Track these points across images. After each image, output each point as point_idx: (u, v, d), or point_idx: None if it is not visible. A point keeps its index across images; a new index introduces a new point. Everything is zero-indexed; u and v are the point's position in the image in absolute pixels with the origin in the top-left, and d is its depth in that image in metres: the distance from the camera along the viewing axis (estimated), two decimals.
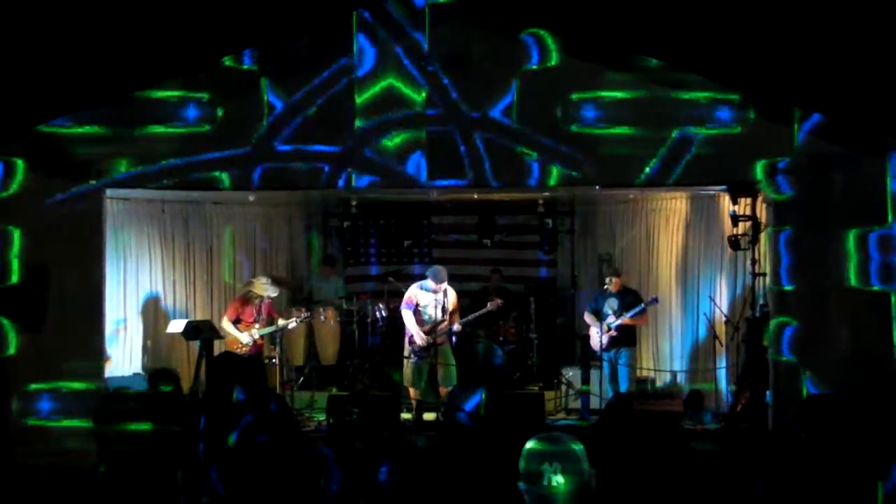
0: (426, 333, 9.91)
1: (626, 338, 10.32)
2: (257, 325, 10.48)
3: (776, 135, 8.13)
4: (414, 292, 10.09)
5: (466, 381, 9.98)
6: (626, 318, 10.16)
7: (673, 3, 7.69)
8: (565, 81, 8.28)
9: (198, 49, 8.00)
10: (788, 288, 8.15)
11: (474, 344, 11.09)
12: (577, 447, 3.14)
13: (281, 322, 10.70)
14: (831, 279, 7.97)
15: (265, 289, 10.53)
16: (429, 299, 10.00)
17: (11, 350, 8.06)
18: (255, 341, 10.46)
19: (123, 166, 8.31)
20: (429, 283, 9.99)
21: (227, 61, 8.29)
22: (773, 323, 8.26)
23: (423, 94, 8.33)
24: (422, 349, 9.93)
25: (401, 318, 10.19)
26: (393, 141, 8.35)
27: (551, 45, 8.28)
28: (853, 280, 7.89)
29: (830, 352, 7.94)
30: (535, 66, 8.30)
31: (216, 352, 10.39)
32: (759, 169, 8.17)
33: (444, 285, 9.96)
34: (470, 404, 8.77)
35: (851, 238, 7.91)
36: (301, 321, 11.02)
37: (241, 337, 10.41)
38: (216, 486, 3.19)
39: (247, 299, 10.58)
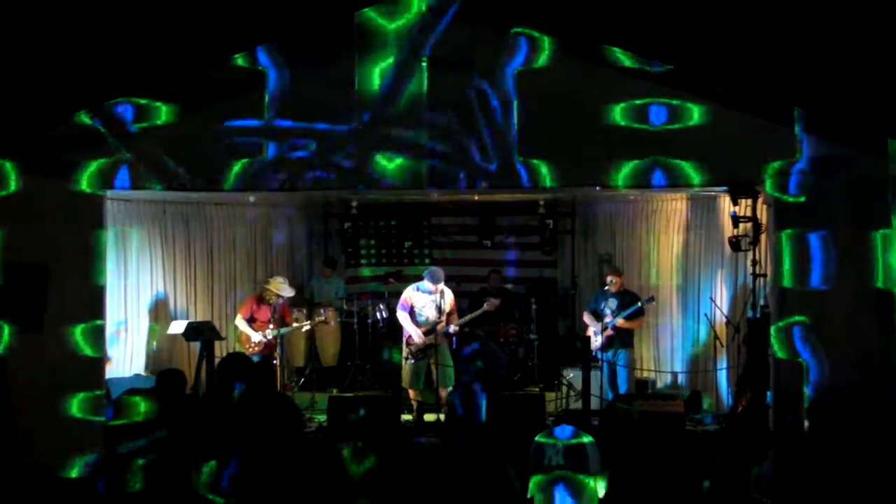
0: (424, 335, 9.91)
1: (623, 339, 10.33)
2: (272, 326, 10.50)
3: (778, 136, 8.11)
4: (409, 294, 10.10)
5: (468, 382, 9.98)
6: (620, 320, 10.17)
7: (674, 4, 7.69)
8: (566, 83, 8.26)
9: (200, 49, 7.99)
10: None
11: (475, 345, 11.08)
12: (589, 443, 3.13)
13: (295, 324, 10.70)
14: (833, 279, 7.96)
15: (281, 289, 10.57)
16: (425, 300, 10.00)
17: (10, 351, 8.05)
18: (267, 341, 10.48)
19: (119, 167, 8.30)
20: (426, 284, 9.99)
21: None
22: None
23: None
24: (420, 350, 9.93)
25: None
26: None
27: (548, 45, 8.26)
28: (858, 280, 7.89)
29: (833, 352, 7.94)
30: (531, 67, 8.28)
31: (217, 352, 10.42)
32: (767, 170, 8.14)
33: (441, 286, 9.96)
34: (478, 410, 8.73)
35: (853, 238, 7.92)
36: (315, 324, 11.00)
37: (254, 336, 10.45)
38: (226, 482, 3.21)
39: (262, 298, 10.63)
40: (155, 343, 10.90)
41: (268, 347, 10.50)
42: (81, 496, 3.18)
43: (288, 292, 10.63)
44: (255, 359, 10.16)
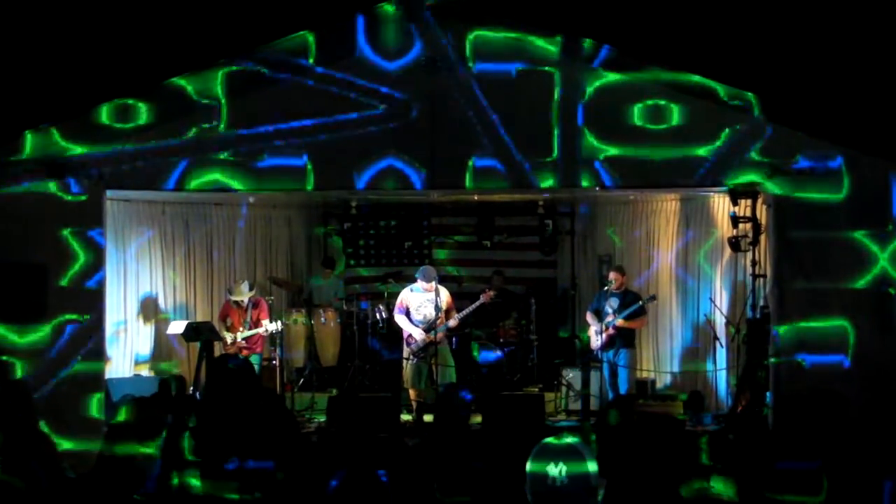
0: (425, 332, 9.92)
1: (625, 339, 10.31)
2: (241, 329, 10.60)
3: (779, 137, 8.12)
4: (404, 296, 10.12)
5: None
6: (620, 320, 10.14)
7: (678, 6, 7.71)
8: (568, 84, 8.27)
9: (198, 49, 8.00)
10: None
11: (474, 346, 11.09)
12: (585, 450, 3.12)
13: (268, 325, 10.64)
14: (833, 280, 7.98)
15: (236, 292, 10.65)
16: (422, 300, 10.00)
17: (10, 351, 8.05)
18: (236, 343, 10.53)
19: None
20: (419, 283, 10.00)
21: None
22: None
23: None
24: (420, 349, 9.93)
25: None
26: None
27: (552, 47, 8.26)
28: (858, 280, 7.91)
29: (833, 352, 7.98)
30: (532, 68, 8.28)
31: (217, 353, 10.44)
32: (767, 171, 8.14)
33: (435, 283, 9.96)
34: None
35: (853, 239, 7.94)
36: (270, 329, 10.80)
37: (226, 337, 10.54)
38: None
39: (229, 302, 10.74)
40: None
41: (242, 349, 10.54)
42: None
43: (237, 296, 10.65)
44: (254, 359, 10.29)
